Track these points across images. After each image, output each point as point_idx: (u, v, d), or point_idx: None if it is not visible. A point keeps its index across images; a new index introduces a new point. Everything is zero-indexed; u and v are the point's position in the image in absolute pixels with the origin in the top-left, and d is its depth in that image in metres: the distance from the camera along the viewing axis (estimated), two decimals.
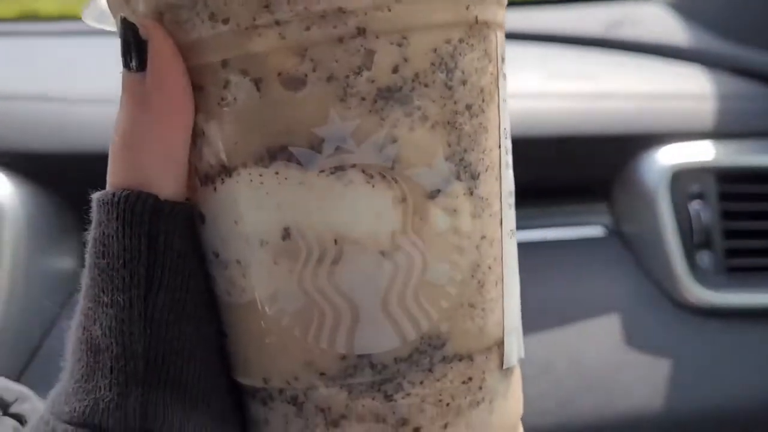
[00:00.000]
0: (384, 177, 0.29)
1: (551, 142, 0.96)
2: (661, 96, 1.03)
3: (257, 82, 0.28)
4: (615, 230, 0.98)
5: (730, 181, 0.96)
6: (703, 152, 0.97)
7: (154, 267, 0.29)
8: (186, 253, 0.30)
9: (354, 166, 0.29)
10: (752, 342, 0.91)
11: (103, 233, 0.29)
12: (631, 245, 0.96)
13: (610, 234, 0.98)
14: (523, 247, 0.89)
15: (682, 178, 0.95)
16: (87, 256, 0.30)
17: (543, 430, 0.84)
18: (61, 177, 0.87)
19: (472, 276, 0.30)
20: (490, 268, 0.31)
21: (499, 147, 0.31)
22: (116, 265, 0.29)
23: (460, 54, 0.30)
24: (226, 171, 0.29)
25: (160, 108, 0.29)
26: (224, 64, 0.28)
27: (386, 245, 0.29)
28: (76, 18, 1.33)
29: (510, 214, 0.32)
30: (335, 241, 0.29)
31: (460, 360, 0.31)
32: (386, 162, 0.29)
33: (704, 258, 0.94)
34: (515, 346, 0.33)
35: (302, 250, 0.29)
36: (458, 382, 0.31)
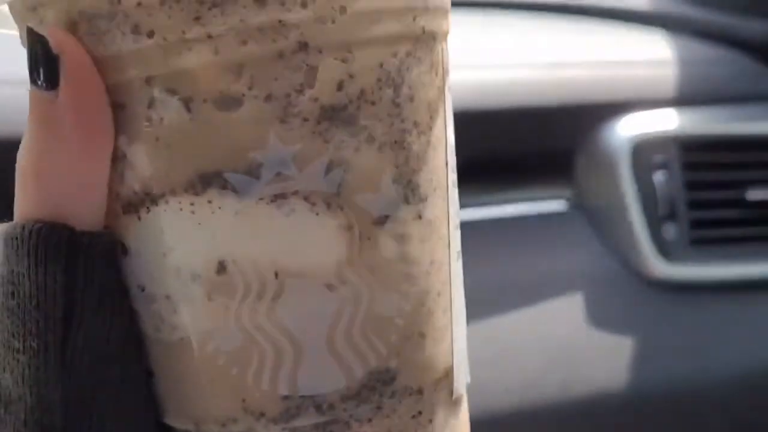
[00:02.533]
0: (329, 204, 0.26)
1: (509, 114, 0.94)
2: (623, 63, 1.02)
3: (187, 102, 0.25)
4: (578, 204, 0.96)
5: (694, 150, 0.95)
6: (665, 120, 0.96)
7: (72, 307, 0.26)
8: (107, 288, 0.27)
9: (296, 193, 0.26)
10: (718, 316, 0.91)
11: (13, 271, 0.26)
12: (594, 219, 0.94)
13: (573, 208, 0.96)
14: (484, 225, 0.88)
15: (644, 147, 0.94)
16: None
17: (506, 410, 0.83)
18: None
19: (422, 304, 0.28)
20: (439, 294, 0.29)
21: (446, 165, 0.29)
22: (28, 307, 0.26)
23: (407, 68, 0.27)
24: (152, 199, 0.26)
25: (74, 131, 0.26)
26: (149, 81, 0.26)
27: (331, 278, 0.27)
28: None
29: (456, 236, 0.30)
30: (276, 274, 0.26)
31: (410, 394, 0.28)
32: (331, 188, 0.26)
33: (669, 230, 0.92)
34: (463, 374, 0.31)
35: (239, 284, 0.26)
36: (408, 417, 0.29)
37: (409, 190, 0.27)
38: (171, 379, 0.28)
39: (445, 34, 0.29)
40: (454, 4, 0.30)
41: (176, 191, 0.26)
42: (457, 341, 0.30)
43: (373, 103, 0.26)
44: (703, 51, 1.05)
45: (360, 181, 0.26)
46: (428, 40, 0.28)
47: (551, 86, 0.96)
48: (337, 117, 0.26)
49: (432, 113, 0.28)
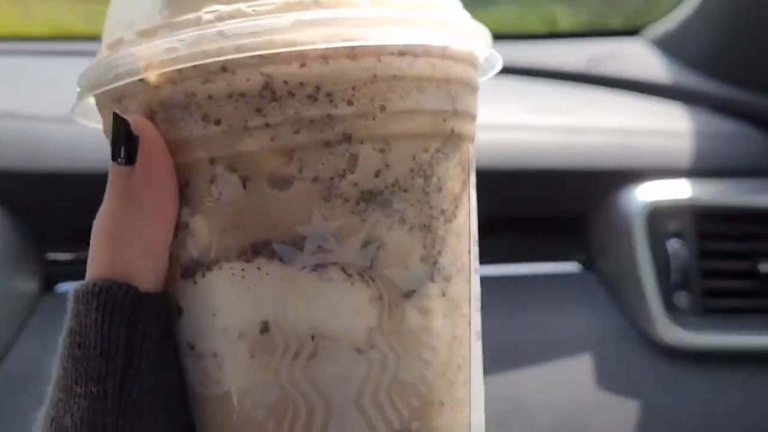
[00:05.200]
0: (362, 276, 0.30)
1: (529, 175, 0.98)
2: (640, 132, 1.05)
3: (244, 180, 0.29)
4: (591, 266, 0.99)
5: (708, 220, 0.97)
6: (681, 190, 0.98)
7: (130, 357, 0.29)
8: (163, 344, 0.30)
9: (334, 264, 0.29)
10: (727, 385, 0.92)
11: (81, 323, 0.30)
12: (606, 282, 0.97)
13: (586, 270, 0.99)
14: (498, 282, 0.91)
15: (659, 215, 0.96)
16: (61, 347, 0.30)
17: None
18: (22, 197, 0.87)
19: (443, 374, 0.31)
20: (459, 366, 0.32)
21: (469, 252, 0.33)
22: (92, 355, 0.29)
23: (436, 162, 0.31)
24: (208, 264, 0.30)
25: (145, 202, 0.30)
26: (212, 161, 0.29)
27: (362, 343, 0.30)
28: (47, 38, 1.33)
29: (477, 317, 0.33)
30: (312, 336, 0.29)
31: None
32: (365, 261, 0.30)
33: (681, 298, 0.94)
34: None
35: (279, 344, 0.30)
36: None
37: (435, 270, 0.31)
38: (211, 431, 0.31)
39: (472, 137, 0.33)
40: None
41: (230, 258, 0.30)
42: (475, 414, 0.33)
43: (405, 190, 0.30)
44: (720, 125, 1.08)
45: (391, 257, 0.30)
46: (456, 140, 0.32)
47: (570, 151, 0.99)
48: (374, 200, 0.29)
49: (457, 203, 0.32)
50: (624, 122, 1.06)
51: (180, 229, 0.30)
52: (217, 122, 0.29)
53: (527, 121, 1.02)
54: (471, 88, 0.33)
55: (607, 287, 0.96)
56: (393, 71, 0.29)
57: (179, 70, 0.29)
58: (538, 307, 0.94)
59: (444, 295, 0.31)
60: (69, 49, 1.12)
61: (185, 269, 0.30)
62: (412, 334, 0.30)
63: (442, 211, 0.31)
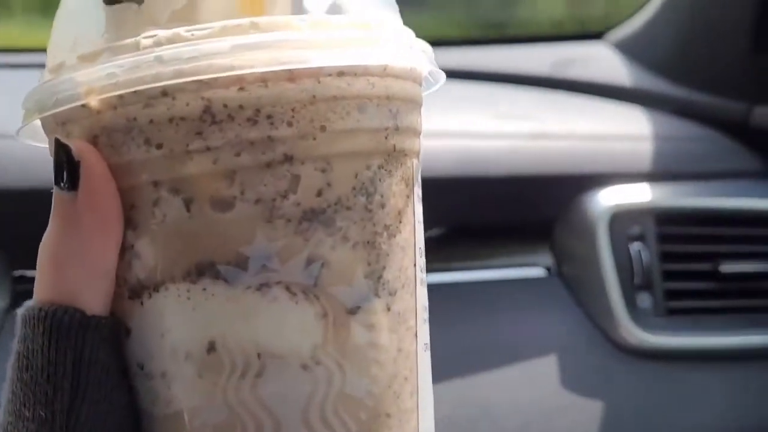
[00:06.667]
0: (306, 294, 0.30)
1: (494, 182, 0.98)
2: (604, 137, 1.05)
3: (187, 202, 0.29)
4: (556, 271, 0.99)
5: (669, 223, 0.98)
6: (642, 193, 0.99)
7: (78, 381, 0.30)
8: (111, 366, 0.31)
9: (278, 283, 0.30)
10: (690, 385, 0.93)
11: (28, 348, 0.30)
12: (571, 286, 0.98)
13: (552, 275, 0.99)
14: (465, 287, 0.91)
15: (621, 219, 0.97)
16: (9, 371, 0.30)
17: None
18: None
19: (389, 387, 0.32)
20: (406, 379, 0.32)
21: (415, 265, 0.33)
22: (40, 379, 0.29)
23: (379, 179, 0.31)
24: (154, 286, 0.30)
25: (89, 227, 0.30)
26: (156, 184, 0.30)
27: (307, 359, 0.30)
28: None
29: (424, 329, 0.34)
30: (258, 355, 0.30)
31: None
32: (309, 280, 0.30)
33: (644, 300, 0.95)
34: None
35: (226, 363, 0.30)
36: None
37: (380, 285, 0.31)
38: None
39: (417, 152, 0.34)
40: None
41: (175, 279, 0.30)
42: (423, 423, 0.33)
43: (348, 208, 0.30)
44: (681, 128, 1.09)
45: (335, 274, 0.30)
46: (399, 156, 0.32)
47: (534, 157, 1.00)
48: (317, 219, 0.30)
49: (401, 219, 0.32)
50: (587, 127, 1.07)
51: (126, 250, 0.31)
52: (159, 146, 0.29)
53: (491, 127, 1.02)
54: (414, 103, 0.33)
55: (572, 291, 0.97)
56: (332, 92, 0.30)
57: (120, 96, 0.29)
58: (505, 311, 0.95)
59: (389, 309, 0.32)
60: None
61: (132, 291, 0.31)
62: (358, 350, 0.31)
63: (386, 227, 0.32)
